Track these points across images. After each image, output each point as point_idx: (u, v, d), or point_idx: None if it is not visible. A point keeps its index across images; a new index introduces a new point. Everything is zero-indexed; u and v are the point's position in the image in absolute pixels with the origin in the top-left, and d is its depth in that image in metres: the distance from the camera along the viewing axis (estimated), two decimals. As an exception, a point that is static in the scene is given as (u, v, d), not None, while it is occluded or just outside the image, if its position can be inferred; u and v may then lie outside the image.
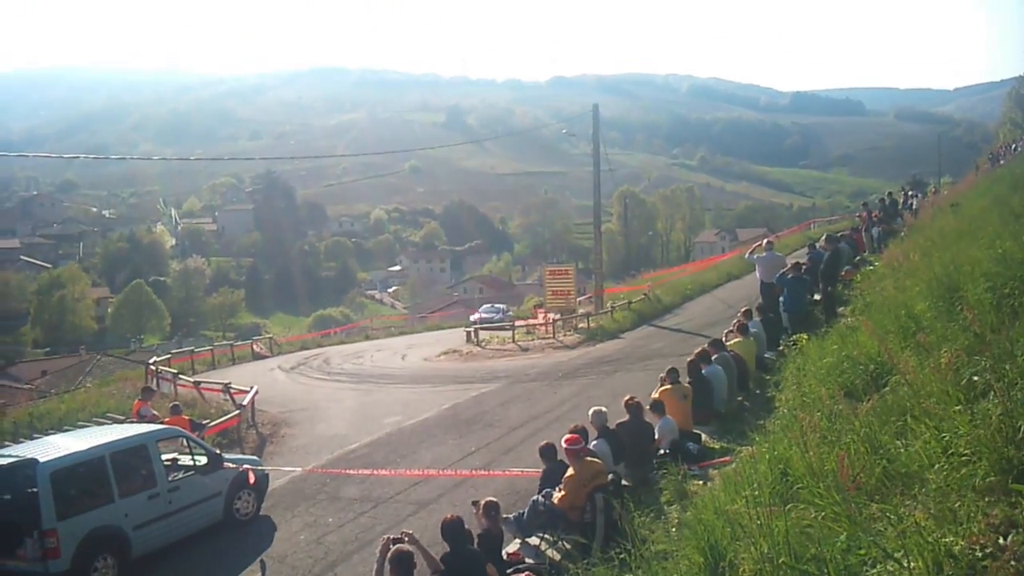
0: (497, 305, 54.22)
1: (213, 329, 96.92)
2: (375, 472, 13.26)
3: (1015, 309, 7.15)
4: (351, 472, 13.32)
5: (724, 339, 15.62)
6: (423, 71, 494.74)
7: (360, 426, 18.10)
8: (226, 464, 12.40)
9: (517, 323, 35.18)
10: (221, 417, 18.42)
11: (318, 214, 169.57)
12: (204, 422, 17.47)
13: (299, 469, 14.26)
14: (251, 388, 20.41)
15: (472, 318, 46.81)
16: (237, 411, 18.71)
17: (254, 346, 40.05)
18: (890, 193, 35.21)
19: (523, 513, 9.54)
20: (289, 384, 26.66)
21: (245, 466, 12.66)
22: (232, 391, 20.76)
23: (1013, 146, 45.35)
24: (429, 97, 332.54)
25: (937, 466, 4.99)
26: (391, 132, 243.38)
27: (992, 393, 5.32)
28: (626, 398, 11.65)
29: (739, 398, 14.28)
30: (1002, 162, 37.72)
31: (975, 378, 5.88)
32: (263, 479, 12.89)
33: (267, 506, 12.81)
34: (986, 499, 4.41)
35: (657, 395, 12.26)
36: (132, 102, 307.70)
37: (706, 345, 14.65)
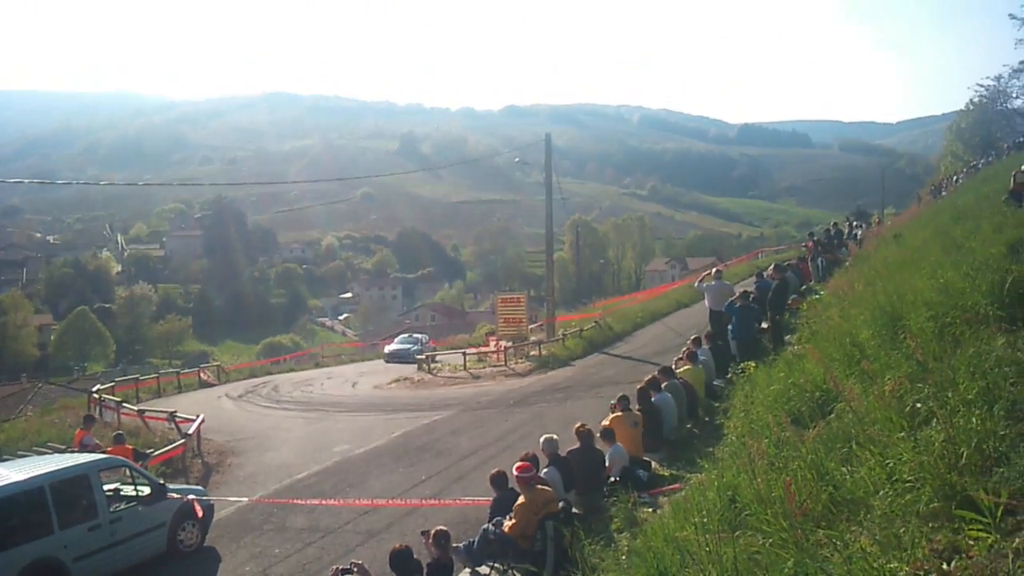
0: (415, 335, 49.05)
1: (159, 357, 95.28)
2: (323, 501, 13.07)
3: (956, 337, 7.29)
4: (298, 502, 13.12)
5: (674, 367, 15.73)
6: (377, 98, 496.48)
7: (309, 455, 17.83)
8: (170, 494, 12.12)
9: (469, 351, 35.08)
10: (166, 446, 18.08)
11: (269, 240, 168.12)
12: (148, 451, 17.12)
13: (245, 499, 13.99)
14: (197, 417, 20.04)
15: (386, 350, 44.24)
16: (182, 440, 18.35)
17: (201, 374, 39.42)
18: (835, 223, 35.95)
19: (473, 542, 9.46)
20: (236, 412, 26.21)
21: (190, 496, 12.41)
22: (177, 419, 20.36)
23: (954, 178, 46.56)
24: (383, 124, 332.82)
25: (882, 492, 5.06)
26: (344, 159, 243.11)
27: (935, 420, 5.41)
28: (576, 425, 11.67)
29: (689, 425, 14.36)
30: (944, 193, 38.70)
31: (918, 405, 5.98)
32: (208, 509, 12.62)
33: (212, 537, 12.52)
34: (930, 525, 4.47)
35: (608, 422, 12.29)
36: (83, 126, 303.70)
37: (656, 373, 14.74)
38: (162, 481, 12.64)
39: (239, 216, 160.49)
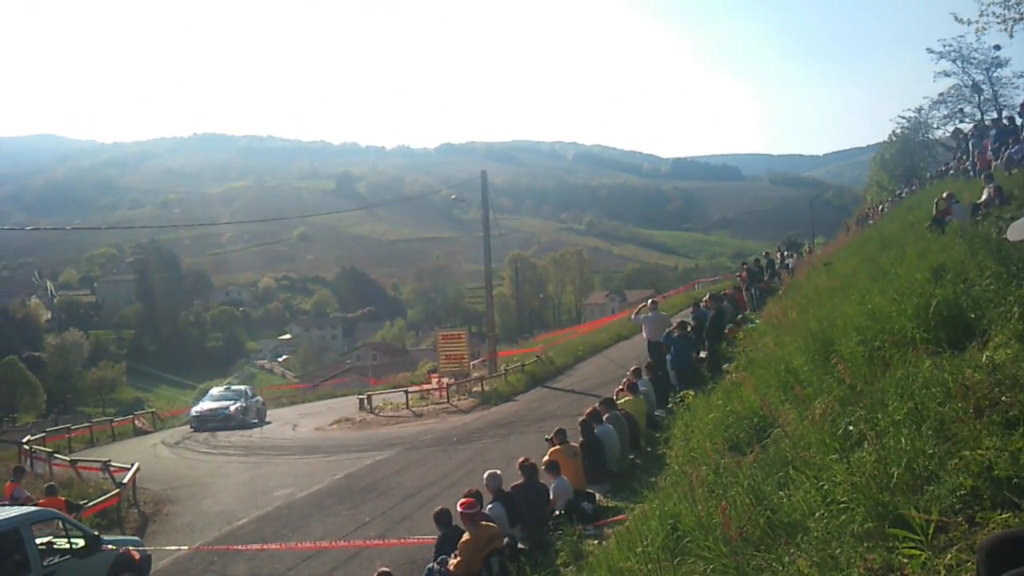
0: (235, 387, 39.01)
1: (92, 405, 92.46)
2: (264, 547, 12.80)
3: (885, 361, 7.49)
4: (239, 548, 12.83)
5: (615, 398, 15.84)
6: (312, 138, 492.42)
7: (249, 500, 17.49)
8: (106, 546, 11.77)
9: (411, 389, 34.80)
10: (100, 497, 17.51)
11: (204, 283, 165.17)
12: (82, 503, 16.57)
13: (184, 548, 13.65)
14: (132, 465, 19.53)
15: (193, 412, 34.18)
16: (117, 490, 17.81)
17: (136, 421, 38.38)
18: (767, 253, 36.67)
19: (418, 582, 9.38)
20: (173, 460, 25.59)
21: (126, 547, 12.07)
22: (112, 469, 19.80)
23: (880, 207, 47.83)
24: (318, 164, 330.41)
25: (818, 514, 5.16)
26: (280, 199, 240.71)
27: (866, 441, 5.54)
28: (520, 460, 11.68)
29: (631, 456, 14.46)
30: (870, 222, 39.72)
31: (850, 428, 6.12)
32: (145, 560, 12.28)
33: (149, 588, 12.20)
34: (864, 545, 4.56)
35: (549, 456, 12.33)
36: (6, 171, 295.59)
37: (597, 405, 14.83)
38: (97, 532, 12.25)
39: (172, 259, 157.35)
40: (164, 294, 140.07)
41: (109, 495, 17.45)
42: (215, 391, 36.69)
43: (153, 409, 48.52)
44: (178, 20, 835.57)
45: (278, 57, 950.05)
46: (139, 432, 35.90)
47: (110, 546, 11.85)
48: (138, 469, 19.53)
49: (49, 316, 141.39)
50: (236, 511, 16.61)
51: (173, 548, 13.67)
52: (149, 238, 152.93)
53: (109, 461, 20.48)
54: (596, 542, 9.69)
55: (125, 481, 18.37)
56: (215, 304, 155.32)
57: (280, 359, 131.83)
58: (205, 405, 33.89)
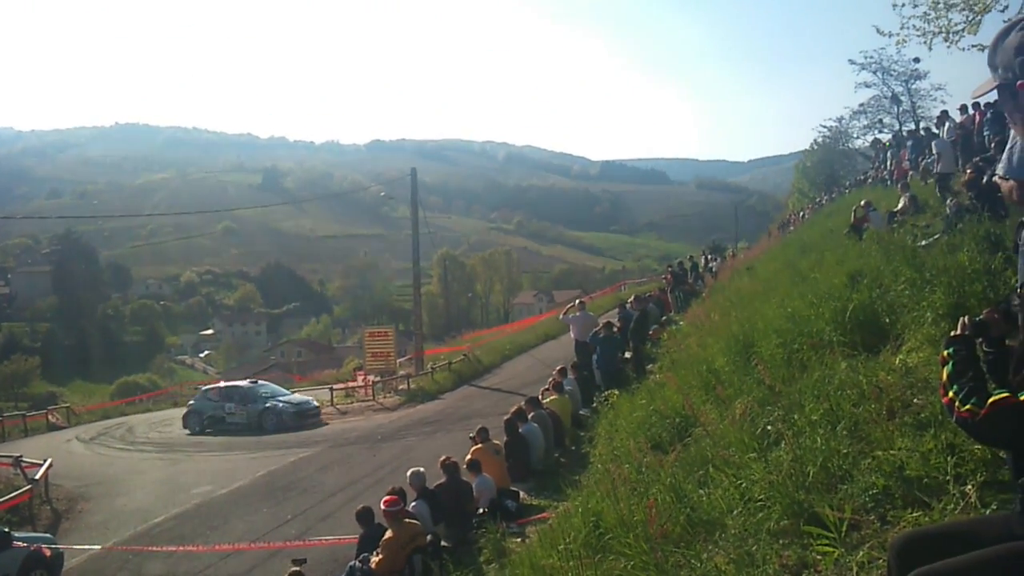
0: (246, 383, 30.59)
1: (3, 399, 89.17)
2: (180, 548, 12.50)
3: (803, 363, 7.64)
4: (154, 549, 12.50)
5: (540, 397, 15.91)
6: (238, 131, 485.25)
7: (166, 498, 17.09)
8: (16, 543, 11.41)
9: (336, 386, 34.38)
10: (10, 493, 16.96)
11: (123, 276, 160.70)
12: (-10, 500, 16.06)
13: (97, 547, 13.25)
14: (45, 461, 18.96)
15: (280, 401, 27.72)
16: (28, 486, 17.27)
17: (49, 416, 37.30)
18: (691, 257, 37.25)
19: (339, 580, 9.28)
20: (88, 456, 24.90)
21: (37, 544, 11.69)
22: (23, 464, 19.21)
23: (801, 214, 48.89)
24: (245, 158, 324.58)
25: (736, 512, 5.24)
26: (204, 192, 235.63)
27: (783, 441, 5.65)
28: (442, 458, 11.65)
29: (556, 455, 14.53)
30: (791, 228, 40.61)
31: (768, 427, 6.24)
32: (57, 558, 11.92)
33: (61, 588, 11.83)
34: (780, 542, 4.63)
35: (471, 455, 12.33)
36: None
37: (522, 403, 14.87)
38: (7, 529, 11.89)
39: (90, 251, 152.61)
40: (81, 287, 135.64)
41: (20, 491, 16.96)
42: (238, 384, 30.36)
43: (68, 404, 47.09)
44: (102, 5, 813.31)
45: (204, 48, 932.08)
46: (53, 427, 34.91)
47: (20, 543, 11.48)
48: (51, 465, 19.02)
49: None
50: (153, 509, 16.22)
51: (83, 547, 13.26)
52: (66, 229, 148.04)
53: (21, 456, 19.91)
54: (519, 540, 9.70)
55: (37, 477, 17.89)
56: (134, 298, 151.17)
57: (202, 355, 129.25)
58: (290, 397, 28.96)
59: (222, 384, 30.61)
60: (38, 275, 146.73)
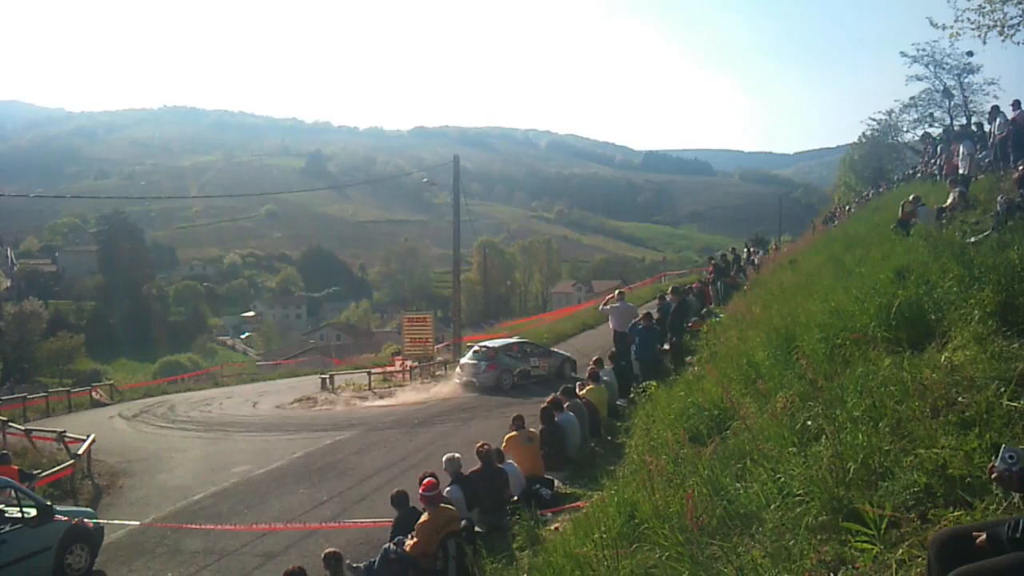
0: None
1: (49, 375, 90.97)
2: (218, 526, 12.65)
3: (845, 358, 7.56)
4: (192, 526, 12.64)
5: (577, 387, 15.89)
6: (284, 115, 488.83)
7: (205, 476, 17.33)
8: (57, 516, 11.63)
9: (374, 370, 34.57)
10: (54, 467, 17.28)
11: (168, 257, 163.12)
12: (35, 472, 16.37)
13: (136, 522, 13.47)
14: (87, 437, 19.31)
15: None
16: (71, 461, 17.60)
17: (93, 393, 37.95)
18: (733, 249, 36.93)
19: (374, 562, 9.35)
20: (130, 433, 25.33)
21: (79, 518, 11.92)
22: (67, 439, 19.57)
23: (846, 207, 48.25)
24: (289, 142, 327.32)
25: (773, 506, 5.20)
26: (248, 176, 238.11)
27: (824, 437, 5.60)
28: (478, 445, 11.68)
29: (592, 444, 14.52)
30: (836, 222, 40.07)
31: (808, 423, 6.18)
32: (98, 532, 12.14)
33: (102, 561, 12.05)
34: (818, 537, 4.60)
35: (504, 443, 12.40)
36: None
37: (559, 393, 14.88)
38: (49, 503, 12.11)
39: (137, 231, 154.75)
40: (127, 266, 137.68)
41: (63, 466, 17.24)
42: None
43: (111, 381, 47.95)
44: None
45: (251, 33, 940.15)
46: (96, 404, 35.52)
47: (62, 517, 11.71)
48: (93, 441, 19.32)
49: (8, 284, 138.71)
50: (192, 486, 16.46)
51: (121, 522, 13.47)
52: (114, 209, 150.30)
53: (64, 432, 20.25)
54: (553, 528, 9.72)
55: (80, 452, 18.19)
56: (179, 278, 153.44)
57: (243, 336, 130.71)
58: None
59: (514, 340, 29.77)
60: (85, 254, 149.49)
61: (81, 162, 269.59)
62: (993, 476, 2.89)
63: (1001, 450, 2.89)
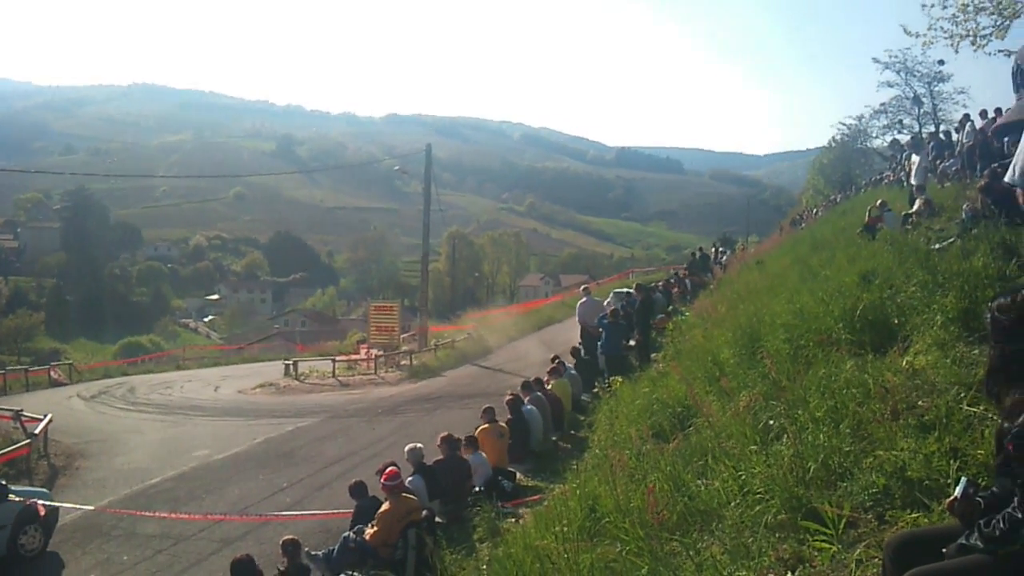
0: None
1: (7, 353, 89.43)
2: (173, 514, 12.46)
3: (808, 359, 7.62)
4: (147, 514, 12.44)
5: (542, 380, 15.92)
6: (255, 97, 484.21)
7: (164, 459, 17.15)
8: (12, 497, 11.45)
9: (339, 358, 34.45)
10: (9, 446, 17.03)
11: (133, 236, 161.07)
12: (-11, 451, 16.13)
13: (90, 507, 13.24)
14: (44, 416, 19.03)
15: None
16: (27, 440, 17.34)
17: (52, 372, 37.43)
18: (700, 248, 37.18)
19: (333, 550, 9.30)
20: (88, 414, 25.02)
21: (33, 499, 11.74)
22: (23, 419, 19.27)
23: (814, 210, 48.74)
24: (260, 124, 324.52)
25: (733, 503, 5.23)
26: (218, 157, 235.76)
27: (785, 436, 5.63)
28: (441, 435, 11.67)
29: (555, 438, 14.55)
30: (803, 225, 40.46)
31: (771, 422, 6.22)
32: (52, 514, 11.96)
33: (56, 542, 11.88)
34: (777, 535, 4.63)
35: (475, 433, 12.38)
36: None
37: (522, 386, 14.89)
38: (3, 483, 11.92)
39: (102, 209, 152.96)
40: (90, 244, 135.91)
41: (19, 445, 17.02)
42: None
43: (70, 361, 47.24)
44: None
45: (224, 12, 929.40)
46: (55, 383, 35.07)
47: (16, 497, 11.53)
48: (51, 421, 19.06)
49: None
50: (150, 469, 16.30)
51: (79, 507, 13.25)
52: (79, 186, 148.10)
53: (21, 411, 19.93)
54: (513, 520, 9.73)
55: (37, 432, 17.92)
56: (143, 259, 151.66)
57: (206, 319, 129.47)
58: None
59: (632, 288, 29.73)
60: (48, 230, 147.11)
61: (48, 137, 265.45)
62: (954, 510, 2.91)
63: (962, 483, 2.90)
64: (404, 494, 9.51)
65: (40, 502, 11.78)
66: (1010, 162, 14.80)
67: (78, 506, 13.09)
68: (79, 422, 22.68)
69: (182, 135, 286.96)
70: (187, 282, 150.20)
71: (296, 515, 11.91)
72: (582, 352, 19.03)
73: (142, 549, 11.35)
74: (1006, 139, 18.46)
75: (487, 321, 41.89)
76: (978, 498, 2.83)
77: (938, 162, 23.75)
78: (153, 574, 10.49)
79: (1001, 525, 2.57)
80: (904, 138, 41.17)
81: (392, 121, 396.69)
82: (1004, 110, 18.84)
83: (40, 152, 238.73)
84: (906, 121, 49.41)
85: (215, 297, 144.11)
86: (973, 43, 15.40)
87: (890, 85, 48.79)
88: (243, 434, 19.55)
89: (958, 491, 2.86)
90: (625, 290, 29.96)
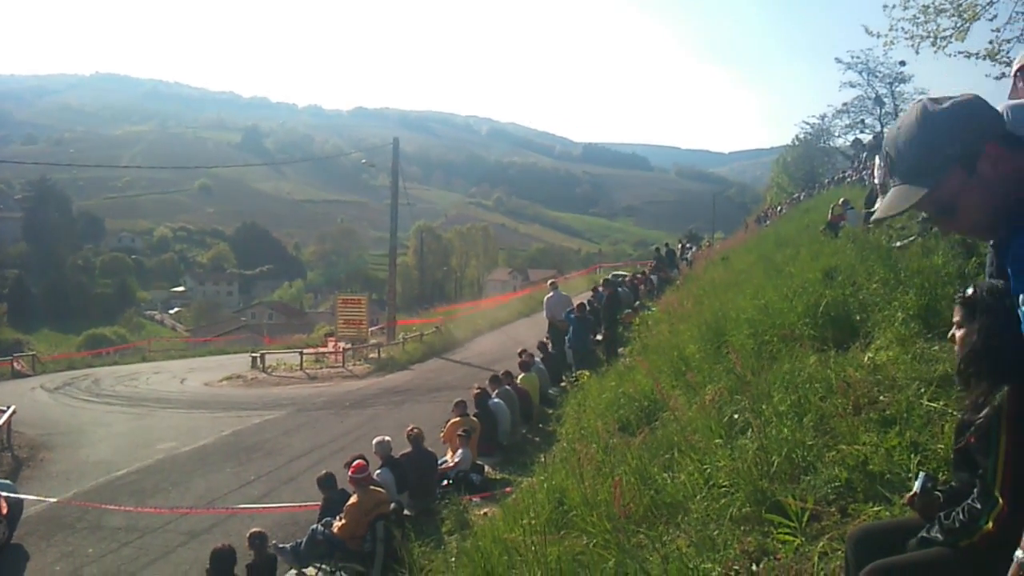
0: None
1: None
2: (137, 508, 12.36)
3: (773, 354, 7.72)
4: (112, 507, 12.33)
5: (512, 373, 15.97)
6: (220, 88, 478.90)
7: (129, 452, 16.98)
8: (-28, 489, 11.31)
9: (306, 351, 34.27)
10: (-30, 439, 16.82)
11: (96, 227, 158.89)
12: (-51, 444, 15.91)
13: (53, 499, 13.10)
14: (8, 408, 18.78)
15: None
16: (-11, 432, 17.14)
17: (14, 363, 36.93)
18: (666, 244, 37.42)
19: (300, 543, 9.30)
20: (52, 405, 24.73)
21: (-5, 491, 11.60)
22: (-16, 411, 19.02)
23: (778, 208, 49.21)
24: (226, 115, 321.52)
25: (699, 496, 5.29)
26: (182, 148, 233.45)
27: (750, 430, 5.71)
28: (408, 428, 11.70)
29: (523, 431, 14.62)
30: (768, 222, 40.83)
31: (735, 416, 6.29)
32: (16, 505, 11.82)
33: (20, 534, 11.71)
34: (742, 528, 4.69)
35: (445, 426, 12.47)
36: None
37: (491, 379, 14.95)
38: (-35, 476, 11.78)
39: (64, 200, 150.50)
40: (53, 235, 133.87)
41: (-20, 437, 16.78)
42: None
43: (34, 352, 46.61)
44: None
45: (189, 1, 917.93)
46: (17, 375, 34.61)
47: (-23, 490, 11.39)
48: (14, 412, 18.81)
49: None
50: (116, 461, 16.12)
51: (43, 499, 13.11)
52: (41, 176, 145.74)
53: (-18, 402, 19.67)
54: (482, 512, 9.77)
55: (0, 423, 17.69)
56: (106, 250, 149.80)
57: (172, 311, 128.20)
58: None
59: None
60: (9, 221, 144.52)
61: (8, 126, 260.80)
62: (913, 505, 2.97)
63: (920, 478, 2.97)
64: (372, 487, 9.52)
65: (3, 494, 11.64)
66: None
67: (43, 498, 12.94)
68: (43, 414, 22.41)
69: (145, 125, 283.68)
70: (152, 274, 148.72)
71: (264, 508, 11.88)
72: (549, 346, 19.09)
73: (108, 542, 11.25)
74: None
75: (455, 315, 41.87)
76: (937, 492, 2.90)
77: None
78: (119, 567, 10.40)
79: (961, 517, 2.63)
80: (866, 137, 41.76)
81: (359, 114, 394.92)
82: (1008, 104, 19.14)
83: (0, 141, 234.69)
84: (868, 121, 50.15)
85: (181, 289, 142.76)
86: (934, 44, 15.57)
87: (852, 85, 49.54)
88: (210, 426, 19.40)
89: (917, 486, 2.92)
90: (621, 273, 30.52)
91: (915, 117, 2.12)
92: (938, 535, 2.73)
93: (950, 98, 2.12)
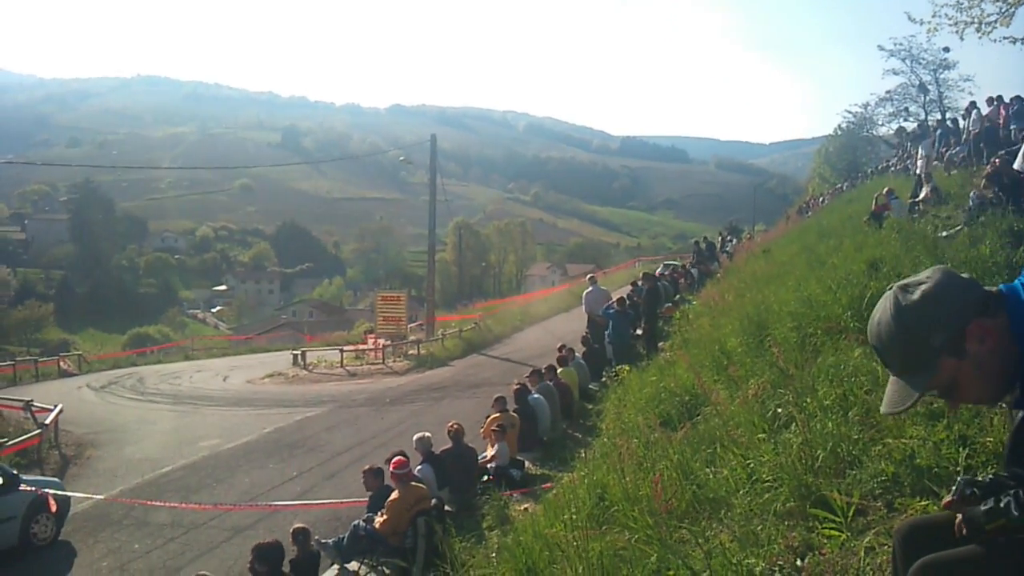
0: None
1: (17, 344, 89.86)
2: (183, 504, 12.52)
3: (816, 347, 7.62)
4: (157, 503, 12.50)
5: (554, 367, 15.95)
6: (260, 89, 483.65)
7: (174, 449, 17.23)
8: (23, 486, 11.53)
9: (346, 348, 34.53)
10: (20, 436, 17.14)
11: (139, 228, 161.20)
12: (1, 441, 16.23)
13: (101, 496, 13.32)
14: (55, 406, 19.14)
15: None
16: (38, 430, 17.44)
17: (61, 363, 37.66)
18: (706, 237, 37.14)
19: (343, 538, 9.36)
20: (98, 404, 25.15)
21: (44, 489, 11.82)
22: (34, 409, 19.40)
23: (820, 199, 48.58)
24: (265, 116, 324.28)
25: (742, 491, 5.24)
26: (223, 148, 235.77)
27: (794, 424, 5.63)
28: (449, 424, 11.72)
29: (563, 426, 14.59)
30: (810, 213, 40.36)
31: (779, 410, 6.22)
32: (64, 503, 12.04)
33: (68, 531, 11.96)
34: (786, 523, 4.64)
35: (486, 422, 12.47)
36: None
37: (531, 374, 14.93)
38: (15, 472, 12.01)
39: (108, 201, 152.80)
40: (97, 236, 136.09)
41: (30, 435, 17.11)
42: None
43: (80, 352, 47.46)
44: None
45: (228, 3, 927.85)
46: (64, 374, 35.25)
47: (28, 486, 11.61)
48: (61, 411, 19.17)
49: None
50: (161, 459, 16.36)
51: (90, 496, 13.34)
52: (85, 178, 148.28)
53: (32, 401, 20.06)
54: (523, 508, 9.77)
55: (47, 422, 18.01)
56: (149, 250, 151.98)
57: (214, 310, 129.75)
58: None
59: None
60: (55, 222, 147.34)
61: (52, 129, 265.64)
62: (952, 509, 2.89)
63: (960, 483, 2.89)
64: (413, 483, 9.56)
65: (51, 492, 11.86)
66: (1017, 149, 14.77)
67: (90, 495, 13.17)
68: (89, 412, 22.80)
69: (186, 127, 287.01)
70: (194, 273, 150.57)
71: (306, 504, 11.97)
72: (590, 341, 19.05)
73: (153, 538, 11.42)
74: (1013, 127, 18.41)
75: (494, 311, 41.95)
76: (976, 492, 2.83)
77: (944, 150, 23.68)
78: (164, 562, 10.55)
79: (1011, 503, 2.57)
80: (910, 126, 41.19)
81: (396, 112, 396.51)
82: (1010, 98, 18.76)
83: (44, 144, 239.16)
84: (912, 109, 49.35)
85: (223, 288, 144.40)
86: (978, 30, 15.31)
87: (895, 73, 48.77)
88: (252, 424, 19.63)
89: (955, 492, 2.85)
90: (674, 262, 30.92)
91: (890, 313, 2.14)
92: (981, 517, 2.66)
93: (919, 283, 2.13)
